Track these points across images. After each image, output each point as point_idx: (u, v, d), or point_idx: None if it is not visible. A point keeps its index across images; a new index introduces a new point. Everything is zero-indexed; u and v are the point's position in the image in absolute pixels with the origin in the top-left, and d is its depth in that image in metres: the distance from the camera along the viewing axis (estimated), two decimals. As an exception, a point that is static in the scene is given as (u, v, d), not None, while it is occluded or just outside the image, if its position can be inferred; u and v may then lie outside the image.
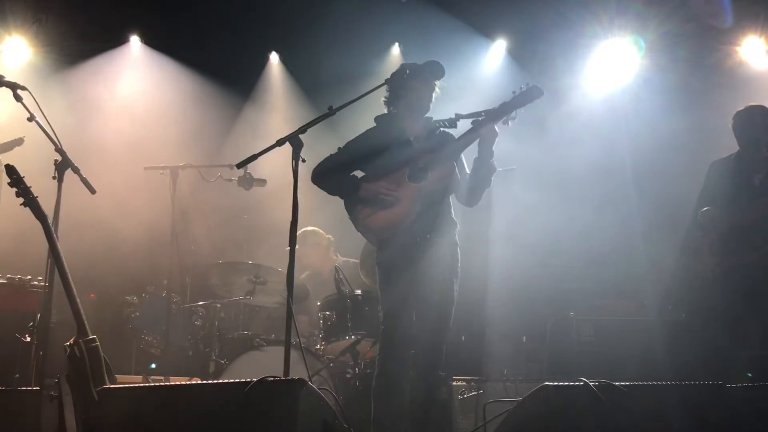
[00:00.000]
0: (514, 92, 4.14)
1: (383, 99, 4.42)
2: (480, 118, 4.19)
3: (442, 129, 4.40)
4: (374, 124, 4.45)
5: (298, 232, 6.38)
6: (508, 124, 4.17)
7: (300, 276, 6.08)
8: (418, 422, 4.13)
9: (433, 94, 4.36)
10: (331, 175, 4.33)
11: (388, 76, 4.14)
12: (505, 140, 4.43)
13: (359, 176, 4.39)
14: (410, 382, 4.18)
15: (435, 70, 4.31)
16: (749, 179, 5.04)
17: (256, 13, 7.42)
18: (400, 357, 4.17)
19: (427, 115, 4.41)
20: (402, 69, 4.32)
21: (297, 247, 6.31)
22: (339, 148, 4.38)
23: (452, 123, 4.35)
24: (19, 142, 4.72)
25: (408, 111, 4.36)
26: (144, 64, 7.79)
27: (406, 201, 4.21)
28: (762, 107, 5.06)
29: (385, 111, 4.45)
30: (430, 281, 4.20)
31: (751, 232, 4.91)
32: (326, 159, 4.36)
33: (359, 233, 4.39)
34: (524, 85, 4.14)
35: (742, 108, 5.13)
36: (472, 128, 4.18)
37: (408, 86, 4.30)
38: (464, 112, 4.30)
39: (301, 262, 6.34)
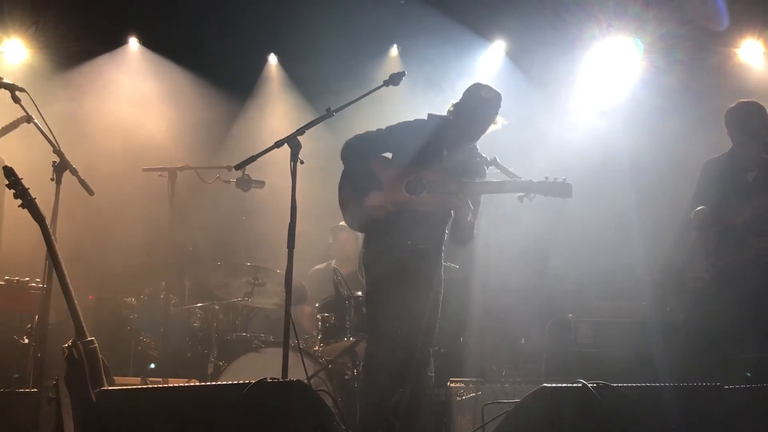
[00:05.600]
0: (546, 178, 4.12)
1: (451, 105, 4.42)
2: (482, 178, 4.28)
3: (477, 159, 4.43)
4: (425, 118, 4.46)
5: (332, 226, 6.49)
6: (522, 201, 4.14)
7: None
8: (409, 424, 4.13)
9: (489, 128, 4.38)
10: (360, 152, 4.35)
11: (387, 78, 4.12)
12: (503, 141, 4.44)
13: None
14: (399, 385, 4.18)
15: (498, 105, 4.35)
16: (743, 177, 5.02)
17: (255, 15, 7.42)
18: (387, 358, 4.19)
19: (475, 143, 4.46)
20: (476, 91, 4.35)
21: (335, 239, 6.45)
22: (379, 129, 4.41)
23: (486, 164, 4.39)
24: (22, 120, 4.69)
25: (464, 129, 4.37)
26: (142, 66, 7.79)
27: (390, 195, 4.25)
28: (756, 103, 5.04)
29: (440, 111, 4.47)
30: (415, 287, 4.22)
31: (745, 231, 4.89)
32: (364, 133, 4.40)
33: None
34: (561, 178, 4.13)
35: (734, 104, 5.10)
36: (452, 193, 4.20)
37: (475, 110, 4.32)
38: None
39: (344, 253, 6.47)
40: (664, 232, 6.02)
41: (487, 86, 4.39)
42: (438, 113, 4.47)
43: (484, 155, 4.41)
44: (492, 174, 4.39)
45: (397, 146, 4.36)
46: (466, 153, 4.42)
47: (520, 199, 4.13)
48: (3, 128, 5.18)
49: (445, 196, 4.20)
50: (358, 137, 4.40)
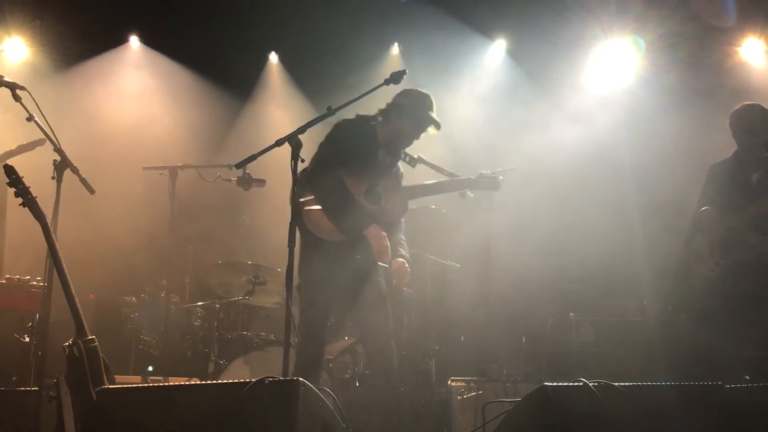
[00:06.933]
0: (481, 173, 4.35)
1: (387, 105, 4.37)
2: (441, 180, 4.37)
3: (399, 162, 4.43)
4: (353, 117, 4.34)
5: None
6: (463, 197, 4.35)
7: None
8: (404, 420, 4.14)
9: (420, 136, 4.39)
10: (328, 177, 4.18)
11: (388, 76, 4.07)
12: (505, 140, 4.44)
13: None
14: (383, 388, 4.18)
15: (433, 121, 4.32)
16: (747, 178, 5.03)
17: (256, 13, 7.42)
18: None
19: None
20: (422, 100, 4.32)
21: None
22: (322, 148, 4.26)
23: (412, 162, 4.41)
24: (41, 142, 4.78)
25: (405, 133, 4.34)
26: (143, 64, 7.80)
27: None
28: (759, 105, 5.05)
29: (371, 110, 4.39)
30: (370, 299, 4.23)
31: (749, 231, 4.91)
32: (316, 161, 4.22)
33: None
34: (490, 171, 4.37)
35: (738, 106, 5.11)
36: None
37: (422, 119, 4.30)
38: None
39: None
40: (666, 231, 6.02)
41: (429, 96, 4.37)
42: (367, 113, 4.38)
43: (407, 154, 4.41)
44: (421, 171, 4.44)
45: (342, 154, 4.21)
46: (397, 156, 4.41)
47: (462, 195, 4.32)
48: (19, 147, 5.23)
49: (402, 202, 4.19)
50: (317, 167, 4.16)
